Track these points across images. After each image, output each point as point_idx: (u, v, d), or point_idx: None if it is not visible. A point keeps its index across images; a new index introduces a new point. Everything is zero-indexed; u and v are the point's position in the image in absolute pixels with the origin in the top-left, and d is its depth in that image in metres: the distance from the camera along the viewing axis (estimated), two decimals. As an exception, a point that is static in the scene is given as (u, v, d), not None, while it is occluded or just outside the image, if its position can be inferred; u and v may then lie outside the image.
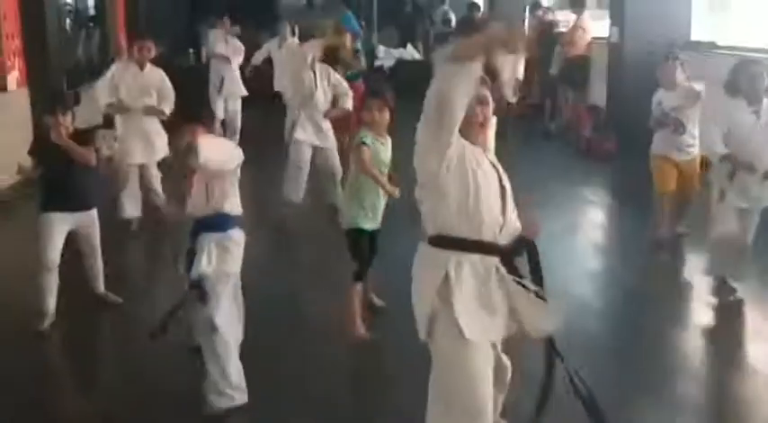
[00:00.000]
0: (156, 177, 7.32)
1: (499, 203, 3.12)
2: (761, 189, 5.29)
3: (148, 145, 7.18)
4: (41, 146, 5.32)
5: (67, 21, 13.02)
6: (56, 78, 9.35)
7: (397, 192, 4.92)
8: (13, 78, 8.95)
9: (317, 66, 7.53)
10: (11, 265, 6.30)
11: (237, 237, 4.21)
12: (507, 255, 3.14)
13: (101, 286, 5.63)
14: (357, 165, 4.91)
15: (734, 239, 5.36)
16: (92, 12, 14.70)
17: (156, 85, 7.19)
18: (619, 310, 5.77)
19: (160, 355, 4.61)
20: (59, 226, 5.24)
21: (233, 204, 4.18)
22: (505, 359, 3.46)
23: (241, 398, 4.20)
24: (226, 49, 10.70)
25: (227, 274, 4.15)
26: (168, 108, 7.07)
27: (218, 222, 4.15)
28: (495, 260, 3.12)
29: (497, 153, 3.51)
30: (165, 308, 4.16)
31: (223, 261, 4.13)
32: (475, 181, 3.06)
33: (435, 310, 3.10)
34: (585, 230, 7.73)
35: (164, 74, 7.28)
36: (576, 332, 5.14)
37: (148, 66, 7.23)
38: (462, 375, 3.11)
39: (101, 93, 7.10)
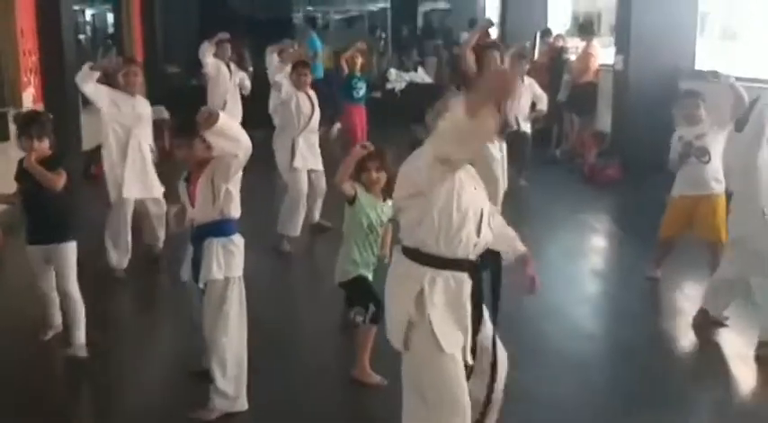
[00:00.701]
0: (160, 216, 6.84)
1: (477, 222, 3.25)
2: None
3: (145, 176, 6.77)
4: (21, 171, 5.06)
5: (85, 38, 13.25)
6: (71, 95, 9.51)
7: (387, 253, 4.89)
8: (28, 94, 9.15)
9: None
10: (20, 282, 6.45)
11: (239, 241, 4.32)
12: (476, 270, 3.30)
13: (76, 338, 5.06)
14: (346, 224, 4.84)
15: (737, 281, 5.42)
16: (110, 30, 14.96)
17: (146, 115, 6.89)
18: (613, 335, 5.84)
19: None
20: (37, 260, 5.12)
21: (237, 208, 4.27)
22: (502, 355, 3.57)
23: (242, 404, 4.36)
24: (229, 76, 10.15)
25: (234, 278, 4.27)
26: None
27: (224, 227, 4.26)
28: (465, 275, 3.27)
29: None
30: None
31: (229, 266, 4.25)
32: (459, 205, 3.18)
33: (412, 321, 3.26)
34: (585, 255, 7.82)
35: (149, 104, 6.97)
36: (569, 354, 5.29)
37: (137, 95, 6.81)
38: (440, 381, 3.28)
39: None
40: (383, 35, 19.24)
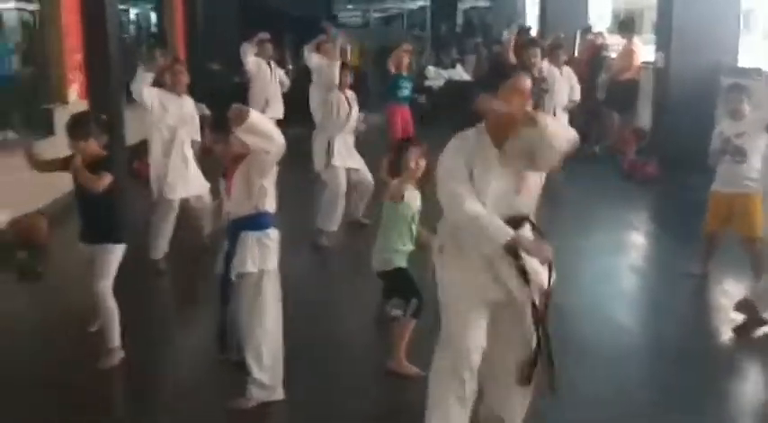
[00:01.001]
0: (204, 210, 7.07)
1: (512, 191, 3.58)
2: None
3: (190, 176, 6.86)
4: (64, 161, 5.05)
5: (129, 36, 13.44)
6: (115, 92, 9.68)
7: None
8: (73, 91, 9.34)
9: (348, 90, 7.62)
10: (66, 275, 6.62)
11: (274, 235, 4.37)
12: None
13: (108, 341, 5.03)
14: (387, 216, 4.95)
15: None
16: (153, 29, 15.15)
17: (191, 114, 6.91)
18: (651, 329, 5.85)
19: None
20: (85, 256, 5.11)
21: (272, 202, 4.33)
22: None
23: (279, 393, 4.45)
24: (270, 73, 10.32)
25: (269, 271, 4.34)
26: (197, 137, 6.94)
27: (259, 221, 4.31)
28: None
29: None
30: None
31: (264, 259, 4.31)
32: (487, 185, 3.54)
33: (436, 270, 3.77)
34: (623, 251, 7.79)
35: (193, 102, 7.04)
36: (607, 348, 5.31)
37: (183, 94, 6.90)
38: (457, 323, 3.71)
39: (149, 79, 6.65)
40: (422, 33, 19.25)
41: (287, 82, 10.39)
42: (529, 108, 3.56)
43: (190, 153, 6.88)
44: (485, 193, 3.52)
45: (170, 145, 6.78)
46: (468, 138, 3.63)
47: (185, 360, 5.27)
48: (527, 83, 3.58)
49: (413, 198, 4.91)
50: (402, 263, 4.96)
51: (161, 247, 6.89)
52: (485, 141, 3.58)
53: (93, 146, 4.99)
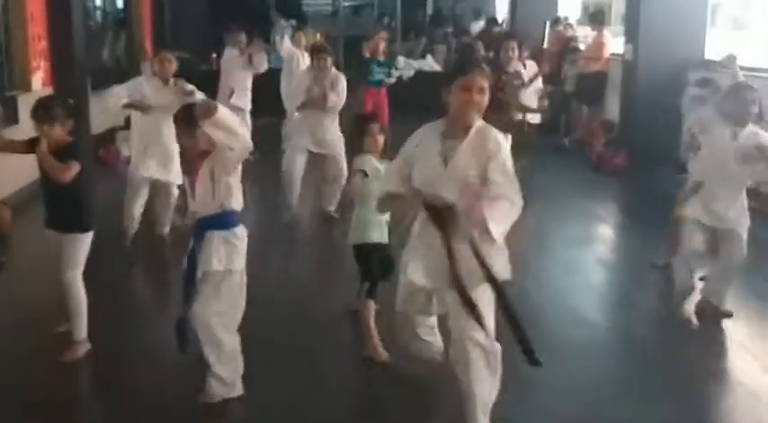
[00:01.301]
0: (172, 200, 7.12)
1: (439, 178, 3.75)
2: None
3: (167, 162, 6.92)
4: (30, 143, 4.89)
5: (95, 23, 13.25)
6: (80, 79, 9.53)
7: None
8: (37, 78, 9.20)
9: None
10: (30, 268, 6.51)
11: (241, 233, 4.29)
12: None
13: (73, 335, 4.95)
14: (358, 192, 4.95)
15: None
16: (120, 15, 14.91)
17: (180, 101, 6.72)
18: (617, 322, 5.87)
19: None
20: (51, 243, 4.99)
21: (238, 200, 4.26)
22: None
23: (239, 389, 4.38)
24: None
25: (235, 270, 4.26)
26: None
27: (225, 220, 4.22)
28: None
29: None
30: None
31: (230, 258, 4.22)
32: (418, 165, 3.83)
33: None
34: (590, 243, 7.83)
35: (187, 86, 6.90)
36: (573, 341, 5.31)
37: (171, 80, 6.89)
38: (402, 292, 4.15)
39: (124, 91, 6.83)
40: (392, 23, 19.16)
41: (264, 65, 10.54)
42: (480, 106, 3.74)
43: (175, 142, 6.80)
44: (413, 173, 3.80)
45: (152, 131, 6.85)
46: (424, 129, 3.90)
47: (153, 353, 5.17)
48: (478, 81, 3.71)
49: (379, 171, 4.85)
50: (377, 237, 4.88)
51: (128, 230, 6.99)
52: (435, 131, 3.82)
53: (59, 131, 4.82)
